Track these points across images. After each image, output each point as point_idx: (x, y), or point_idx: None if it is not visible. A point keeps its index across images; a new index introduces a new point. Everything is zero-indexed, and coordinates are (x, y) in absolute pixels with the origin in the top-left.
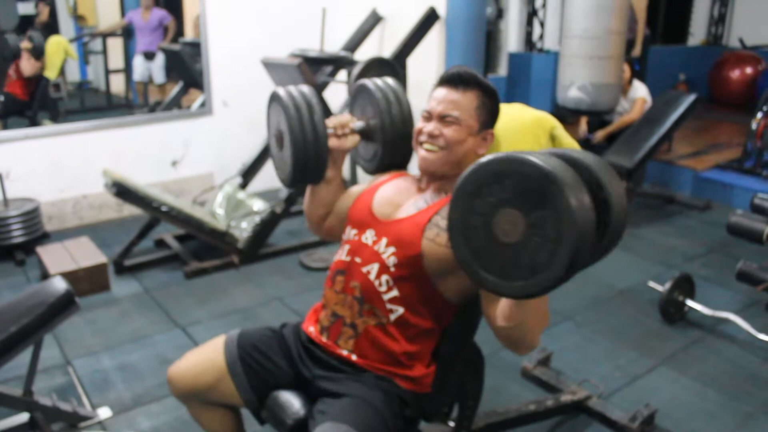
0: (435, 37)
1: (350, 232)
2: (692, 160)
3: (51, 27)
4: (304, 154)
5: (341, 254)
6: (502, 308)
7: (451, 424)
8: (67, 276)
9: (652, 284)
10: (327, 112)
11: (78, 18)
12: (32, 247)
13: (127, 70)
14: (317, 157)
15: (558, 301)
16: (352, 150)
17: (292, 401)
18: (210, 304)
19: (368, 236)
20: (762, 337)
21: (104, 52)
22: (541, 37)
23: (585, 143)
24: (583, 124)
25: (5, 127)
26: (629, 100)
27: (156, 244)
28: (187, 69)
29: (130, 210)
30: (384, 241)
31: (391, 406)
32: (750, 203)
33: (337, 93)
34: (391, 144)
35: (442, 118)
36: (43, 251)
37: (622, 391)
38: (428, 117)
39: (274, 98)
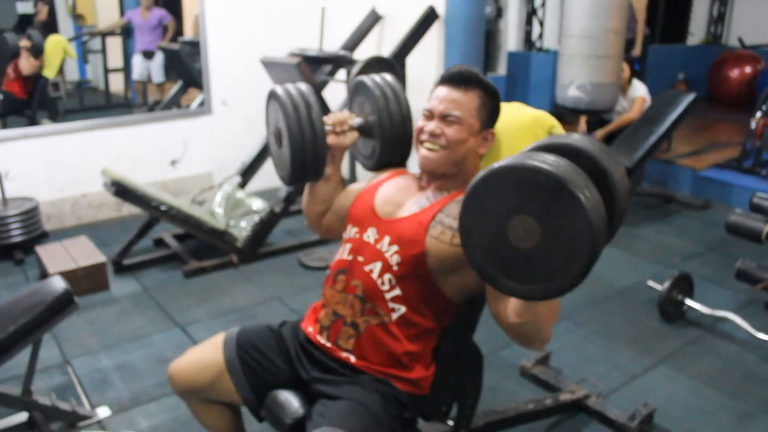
0: (434, 36)
1: (351, 231)
2: (691, 160)
3: (50, 26)
4: (303, 151)
5: (342, 253)
6: (513, 305)
7: (450, 423)
8: (66, 275)
9: (651, 283)
10: (326, 111)
11: (77, 17)
12: (31, 247)
13: (126, 69)
14: (315, 155)
15: None
16: (352, 147)
17: (291, 400)
18: (209, 303)
19: (370, 234)
20: (761, 336)
21: (103, 51)
22: (541, 36)
23: None
24: (582, 123)
25: (4, 126)
26: (628, 99)
27: (155, 244)
28: (186, 68)
29: (129, 209)
30: (387, 239)
31: (388, 409)
32: (749, 202)
33: (336, 92)
34: (389, 140)
35: (444, 118)
36: (42, 250)
37: (621, 390)
38: (429, 116)
39: (273, 96)
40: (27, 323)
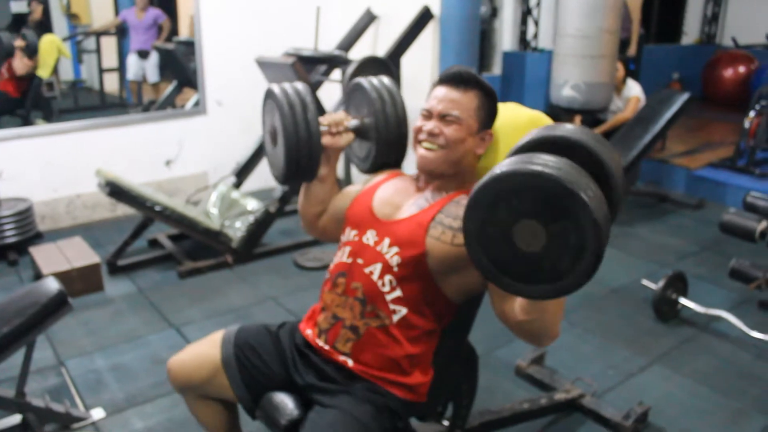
0: (429, 36)
1: (350, 233)
2: (686, 159)
3: (44, 25)
4: (297, 150)
5: (342, 256)
6: (520, 303)
7: (446, 423)
8: (61, 276)
9: (645, 282)
10: (321, 111)
11: (71, 16)
12: (25, 247)
13: (121, 69)
14: (310, 154)
15: None
16: (347, 149)
17: (286, 402)
18: (204, 303)
19: (369, 237)
20: (754, 334)
21: (98, 50)
22: (536, 36)
23: None
24: (577, 123)
25: None
26: (623, 98)
27: (150, 244)
28: (181, 68)
29: (124, 210)
30: (386, 241)
31: (380, 421)
32: (742, 201)
33: (331, 92)
34: (385, 143)
35: (443, 117)
36: (36, 251)
37: (616, 389)
38: (428, 115)
39: (269, 95)
40: (21, 324)
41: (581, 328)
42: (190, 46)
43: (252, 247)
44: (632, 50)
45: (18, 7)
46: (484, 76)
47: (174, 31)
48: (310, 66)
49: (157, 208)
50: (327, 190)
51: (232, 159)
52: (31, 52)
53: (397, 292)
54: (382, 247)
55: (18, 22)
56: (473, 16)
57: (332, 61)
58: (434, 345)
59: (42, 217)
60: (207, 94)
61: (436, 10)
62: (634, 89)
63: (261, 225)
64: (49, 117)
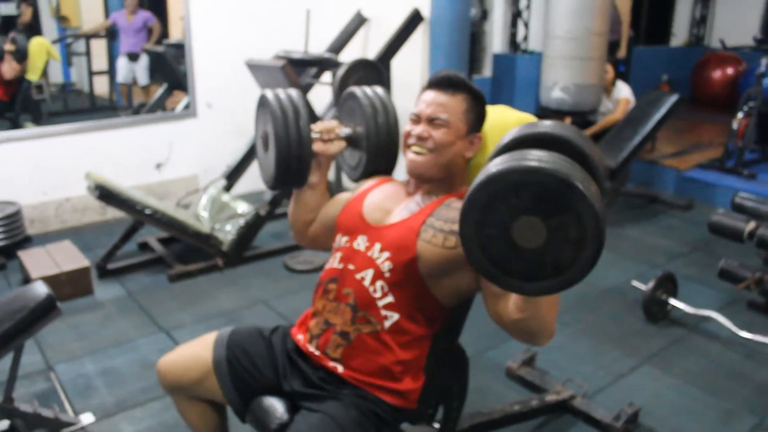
0: (419, 38)
1: (341, 240)
2: (675, 160)
3: (33, 28)
4: (288, 155)
5: (333, 262)
6: (515, 300)
7: (436, 425)
8: (50, 280)
9: (635, 283)
10: (314, 118)
11: (61, 19)
12: (14, 251)
13: (111, 71)
14: (300, 160)
15: None
16: (338, 157)
17: (276, 406)
18: (194, 307)
19: (360, 242)
20: (743, 334)
21: (88, 53)
22: (526, 38)
23: None
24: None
25: None
26: (613, 100)
27: (140, 248)
28: (171, 71)
29: (114, 213)
30: (377, 246)
31: (364, 426)
32: (731, 202)
33: (321, 95)
34: (375, 152)
35: (431, 121)
36: (24, 255)
37: (606, 390)
38: (417, 120)
39: (262, 101)
40: (9, 329)
41: (572, 330)
42: (180, 48)
43: (242, 250)
44: (622, 52)
45: (7, 9)
46: (475, 78)
47: (164, 33)
48: (300, 69)
49: (147, 212)
50: (318, 198)
51: (222, 162)
52: (21, 56)
53: (389, 298)
54: (373, 252)
55: (7, 24)
56: (463, 19)
57: (323, 64)
58: (426, 350)
59: (31, 221)
60: (197, 96)
61: (426, 12)
62: (623, 91)
63: (251, 228)
64: (39, 120)
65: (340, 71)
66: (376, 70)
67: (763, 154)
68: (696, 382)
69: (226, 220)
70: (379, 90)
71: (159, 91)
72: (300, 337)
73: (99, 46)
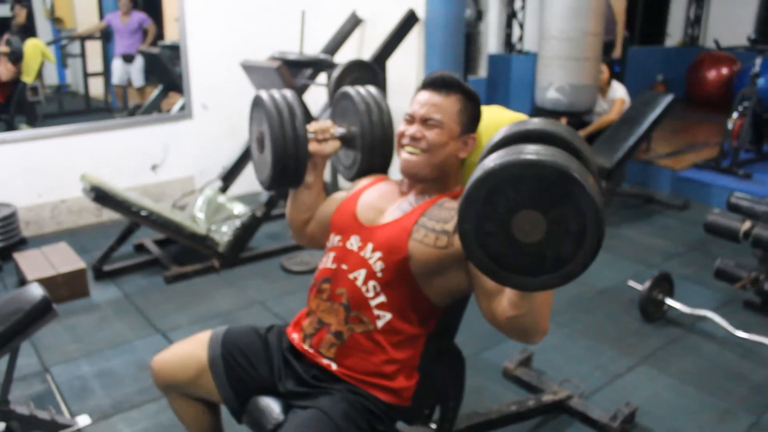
0: (414, 39)
1: (334, 239)
2: (670, 160)
3: (28, 29)
4: (284, 155)
5: (326, 262)
6: (509, 297)
7: (433, 426)
8: (46, 282)
9: (631, 283)
10: (308, 117)
11: (55, 20)
12: (9, 253)
13: (106, 73)
14: (296, 160)
15: None
16: (333, 156)
17: (272, 406)
18: (190, 308)
19: (353, 242)
20: (739, 334)
21: (82, 55)
22: (521, 38)
23: None
24: None
25: None
26: (608, 100)
27: (136, 249)
28: (166, 72)
29: (110, 215)
30: (370, 246)
31: (354, 420)
32: (726, 202)
33: (317, 96)
34: (369, 152)
35: (425, 121)
36: (20, 257)
37: (603, 390)
38: (411, 120)
39: (257, 101)
40: (4, 331)
41: (568, 330)
42: (175, 50)
43: (239, 251)
44: (617, 52)
45: (1, 11)
46: (470, 79)
47: (159, 35)
48: (295, 70)
49: (143, 213)
50: (314, 197)
51: (218, 163)
52: (16, 58)
53: (381, 298)
54: (366, 252)
55: (1, 26)
56: (458, 19)
57: (318, 65)
58: (419, 350)
59: (26, 223)
60: (193, 98)
61: (421, 13)
62: (618, 91)
63: (248, 229)
64: (33, 122)
65: (336, 72)
66: (371, 71)
67: (758, 154)
68: (692, 382)
69: (222, 221)
70: (373, 89)
71: (154, 92)
72: (295, 336)
73: (94, 48)
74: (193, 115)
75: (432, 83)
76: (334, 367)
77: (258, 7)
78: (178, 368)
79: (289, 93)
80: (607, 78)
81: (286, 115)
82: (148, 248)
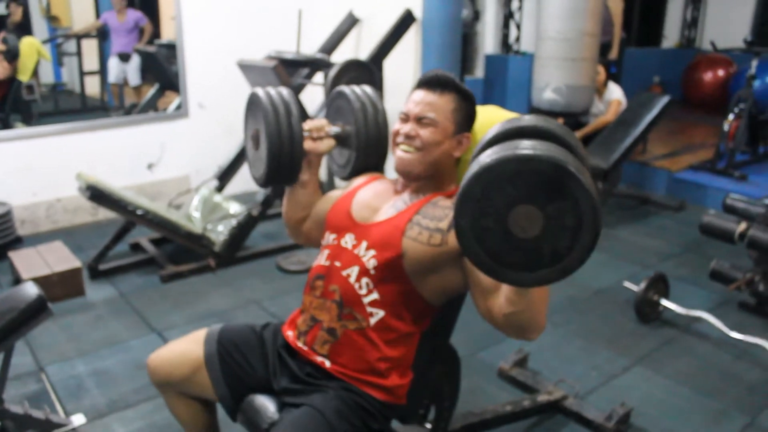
0: (411, 39)
1: (329, 237)
2: (667, 161)
3: (24, 28)
4: (279, 152)
5: (320, 259)
6: (506, 294)
7: (428, 425)
8: (41, 281)
9: (627, 284)
10: (304, 116)
11: (51, 19)
12: (4, 252)
13: (102, 72)
14: (291, 156)
15: None
16: (327, 155)
17: (267, 405)
18: (186, 308)
19: (348, 240)
20: (734, 335)
21: (79, 53)
22: (518, 39)
23: None
24: None
25: None
26: (604, 101)
27: (131, 248)
28: (162, 71)
29: (106, 213)
30: (364, 244)
31: (347, 418)
32: (722, 203)
33: (313, 95)
34: (364, 152)
35: (419, 120)
36: (15, 256)
37: (598, 391)
38: (405, 118)
39: (253, 98)
40: None
41: (564, 330)
42: (171, 49)
43: (235, 250)
44: (614, 54)
45: None
46: (467, 79)
47: (156, 33)
48: (292, 69)
49: (139, 212)
50: (309, 195)
51: (214, 162)
52: (12, 56)
53: (374, 295)
54: (360, 250)
55: None
56: (455, 20)
57: (314, 65)
58: (413, 348)
59: (21, 222)
60: (189, 97)
61: (418, 13)
62: (615, 92)
63: (244, 228)
64: (29, 120)
65: (332, 72)
66: (368, 71)
67: (753, 156)
68: (687, 383)
69: (218, 220)
70: (368, 89)
71: (150, 91)
72: (290, 334)
73: (90, 46)
74: (190, 114)
75: (427, 82)
76: (327, 364)
77: (255, 6)
78: (174, 365)
79: (285, 91)
80: (604, 79)
81: (282, 112)
82: (144, 247)
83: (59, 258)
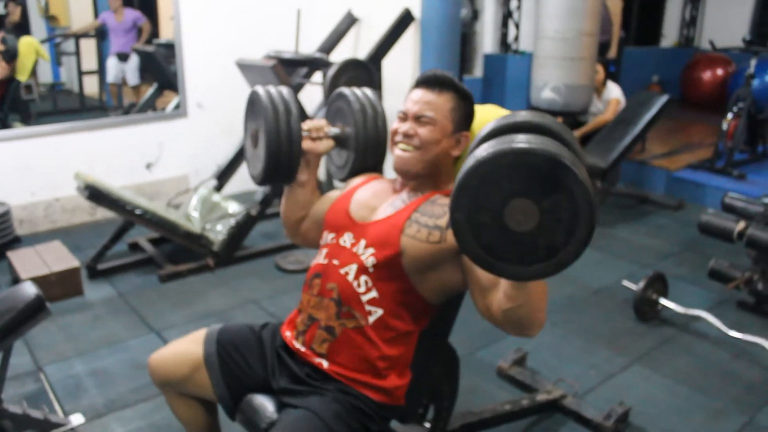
0: (410, 38)
1: (328, 237)
2: (665, 160)
3: (22, 27)
4: (277, 150)
5: (319, 258)
6: (504, 289)
7: (427, 425)
8: (39, 281)
9: (626, 283)
10: (303, 115)
11: (50, 18)
12: (2, 252)
13: (101, 71)
14: (289, 155)
15: None
16: (325, 156)
17: (266, 405)
18: (185, 307)
19: (346, 239)
20: (732, 333)
21: (77, 53)
22: (516, 38)
23: None
24: None
25: None
26: (603, 101)
27: (130, 248)
28: (161, 70)
29: (104, 213)
30: (362, 242)
31: (345, 421)
32: (721, 202)
33: (312, 94)
34: (362, 154)
35: (418, 119)
36: (13, 256)
37: (597, 390)
38: (404, 117)
39: (253, 96)
40: None
41: (562, 329)
42: (170, 48)
43: (233, 250)
44: (612, 53)
45: None
46: (466, 78)
47: (154, 33)
48: (291, 68)
49: (138, 212)
50: (308, 195)
51: (213, 162)
52: (10, 56)
53: (373, 293)
54: (358, 249)
55: None
56: (454, 19)
57: (313, 64)
58: (412, 347)
59: (20, 222)
60: (187, 96)
61: (416, 12)
62: (614, 91)
63: (242, 228)
64: (28, 120)
65: (331, 71)
66: (366, 70)
67: (752, 155)
68: (686, 382)
69: (216, 220)
70: (369, 91)
71: (149, 91)
72: (288, 334)
73: (88, 46)
74: (188, 114)
75: (425, 81)
76: (325, 365)
77: (253, 5)
78: (174, 365)
79: (285, 90)
80: (603, 78)
81: (282, 111)
82: (143, 247)
83: (58, 258)
